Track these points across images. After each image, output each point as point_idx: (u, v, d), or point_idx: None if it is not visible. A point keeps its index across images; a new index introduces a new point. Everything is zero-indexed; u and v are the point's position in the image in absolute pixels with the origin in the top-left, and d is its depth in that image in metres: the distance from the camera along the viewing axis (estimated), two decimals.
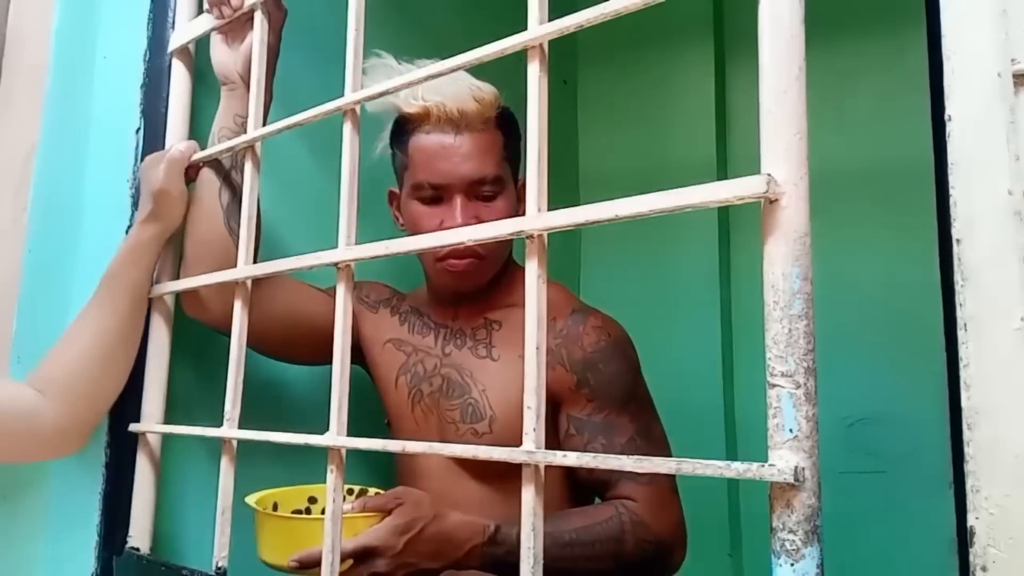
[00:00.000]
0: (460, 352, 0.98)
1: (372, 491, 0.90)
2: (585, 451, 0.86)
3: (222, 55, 0.91)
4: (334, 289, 1.00)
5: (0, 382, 0.80)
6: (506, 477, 0.83)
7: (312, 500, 0.90)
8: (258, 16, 0.82)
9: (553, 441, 0.92)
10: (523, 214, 0.98)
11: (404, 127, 0.96)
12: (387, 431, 1.05)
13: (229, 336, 0.77)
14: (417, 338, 1.02)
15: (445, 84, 0.88)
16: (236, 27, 0.90)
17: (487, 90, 0.94)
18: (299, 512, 0.88)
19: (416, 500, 0.80)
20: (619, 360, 0.93)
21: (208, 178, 0.90)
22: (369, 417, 1.03)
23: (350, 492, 0.92)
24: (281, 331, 0.97)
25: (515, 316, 0.96)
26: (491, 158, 0.92)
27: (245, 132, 0.82)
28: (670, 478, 0.90)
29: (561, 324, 0.94)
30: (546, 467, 0.55)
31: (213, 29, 0.90)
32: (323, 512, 0.85)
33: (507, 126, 0.96)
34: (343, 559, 0.74)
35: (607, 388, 0.91)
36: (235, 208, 0.88)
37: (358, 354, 1.04)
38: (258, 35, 0.81)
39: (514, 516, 0.82)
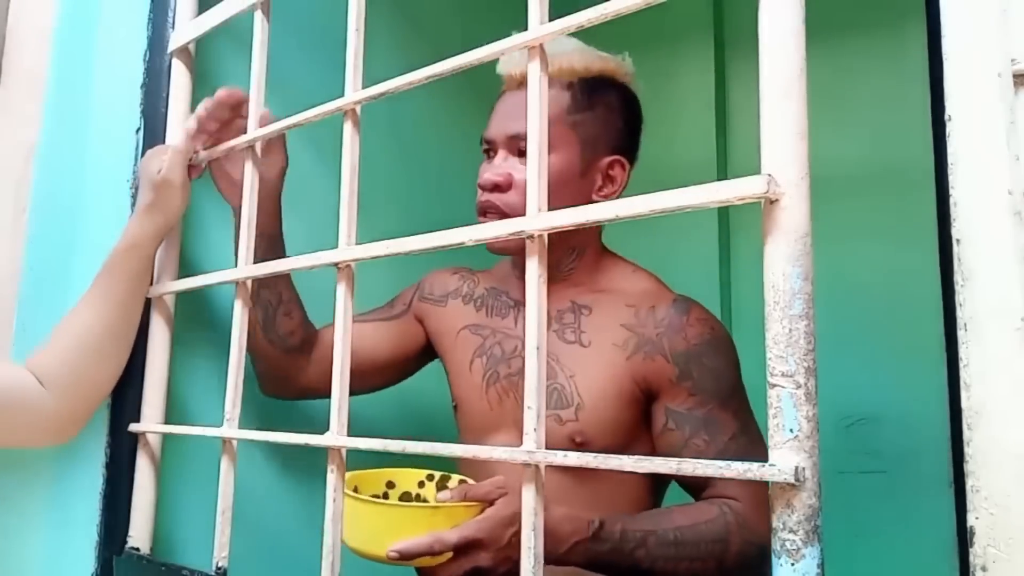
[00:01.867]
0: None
1: (455, 478, 0.86)
2: (686, 446, 0.84)
3: (227, 185, 0.91)
4: (393, 301, 1.03)
5: (4, 364, 0.81)
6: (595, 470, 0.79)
7: (390, 485, 0.87)
8: (258, 16, 0.82)
9: (645, 434, 0.89)
10: (603, 194, 0.94)
11: None
12: (453, 415, 1.03)
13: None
14: (496, 320, 0.99)
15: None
16: (233, 156, 0.89)
17: (578, 57, 0.92)
18: (376, 497, 0.84)
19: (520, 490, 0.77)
20: (724, 355, 0.90)
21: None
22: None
23: (430, 479, 0.88)
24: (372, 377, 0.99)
25: (606, 302, 0.93)
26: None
27: (267, 254, 0.86)
28: None
29: (662, 313, 0.90)
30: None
31: (197, 145, 0.88)
32: (418, 499, 0.83)
33: (586, 94, 0.93)
34: (444, 551, 0.71)
35: (711, 382, 0.87)
36: (273, 325, 0.92)
37: (430, 352, 1.05)
38: (259, 35, 0.81)
39: (616, 512, 0.81)
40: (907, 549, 1.49)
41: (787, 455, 0.44)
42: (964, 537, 0.41)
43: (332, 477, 0.66)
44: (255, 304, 0.89)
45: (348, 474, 0.80)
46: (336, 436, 0.65)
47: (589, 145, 0.92)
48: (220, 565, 0.74)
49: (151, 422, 0.87)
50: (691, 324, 0.89)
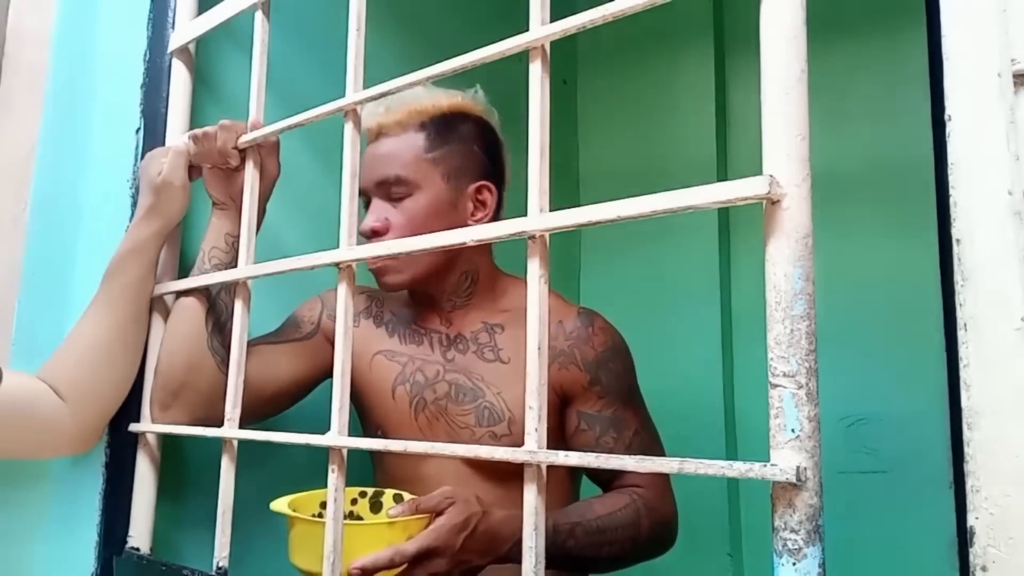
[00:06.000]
0: (465, 357, 0.98)
1: (389, 493, 0.89)
2: (597, 444, 0.94)
3: (216, 181, 0.90)
4: (287, 324, 1.01)
5: (21, 376, 0.80)
6: (520, 476, 0.82)
7: (323, 505, 0.83)
8: (259, 16, 0.82)
9: (558, 436, 0.96)
10: (476, 219, 0.98)
11: None
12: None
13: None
14: (411, 347, 1.00)
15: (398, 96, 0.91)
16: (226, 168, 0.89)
17: (425, 97, 0.96)
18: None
19: (466, 498, 0.80)
20: (623, 359, 0.99)
21: (192, 303, 0.87)
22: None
23: (362, 495, 0.90)
24: (269, 403, 0.95)
25: (515, 319, 0.98)
26: (399, 161, 0.94)
27: (236, 252, 0.82)
28: None
29: (570, 326, 0.98)
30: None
31: (193, 159, 0.88)
32: (351, 516, 0.85)
33: (438, 130, 0.96)
34: (403, 562, 0.74)
35: (616, 385, 0.97)
36: (219, 332, 0.87)
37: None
38: (259, 35, 0.81)
39: (548, 508, 0.85)
40: (907, 549, 1.49)
41: (788, 455, 0.44)
42: (964, 537, 0.41)
43: (333, 477, 0.66)
44: (211, 308, 0.88)
45: (282, 499, 0.81)
46: (336, 436, 0.66)
47: (453, 177, 0.97)
48: (220, 565, 0.74)
49: (151, 422, 0.87)
50: (596, 333, 0.98)
